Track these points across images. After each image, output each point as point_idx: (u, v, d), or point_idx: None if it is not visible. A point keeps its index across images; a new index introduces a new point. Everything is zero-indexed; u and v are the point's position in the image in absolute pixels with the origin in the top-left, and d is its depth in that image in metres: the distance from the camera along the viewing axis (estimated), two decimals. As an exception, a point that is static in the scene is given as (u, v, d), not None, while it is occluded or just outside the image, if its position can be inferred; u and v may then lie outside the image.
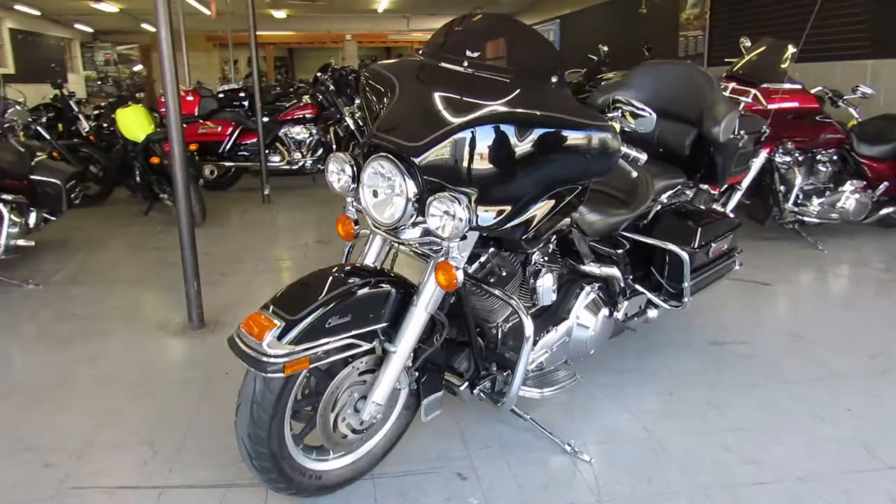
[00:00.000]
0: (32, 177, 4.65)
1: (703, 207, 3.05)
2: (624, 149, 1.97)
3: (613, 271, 2.62)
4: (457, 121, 1.77)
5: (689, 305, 2.82)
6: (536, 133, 1.80)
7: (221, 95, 8.99)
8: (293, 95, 8.36)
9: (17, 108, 4.78)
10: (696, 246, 2.73)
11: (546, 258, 2.39)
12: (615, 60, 8.70)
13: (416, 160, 1.78)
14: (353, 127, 7.33)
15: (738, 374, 2.88)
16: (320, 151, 7.51)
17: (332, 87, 7.52)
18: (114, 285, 4.28)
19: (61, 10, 17.24)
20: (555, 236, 2.41)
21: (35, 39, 17.76)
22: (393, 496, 2.09)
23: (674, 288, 2.82)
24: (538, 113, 1.80)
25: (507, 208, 1.85)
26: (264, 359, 1.69)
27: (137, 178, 6.05)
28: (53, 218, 4.88)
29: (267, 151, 7.16)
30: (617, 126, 1.92)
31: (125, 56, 21.11)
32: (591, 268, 2.56)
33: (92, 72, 20.87)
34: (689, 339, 3.24)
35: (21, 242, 4.23)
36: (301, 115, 7.56)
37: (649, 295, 2.82)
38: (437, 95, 1.89)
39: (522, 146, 1.79)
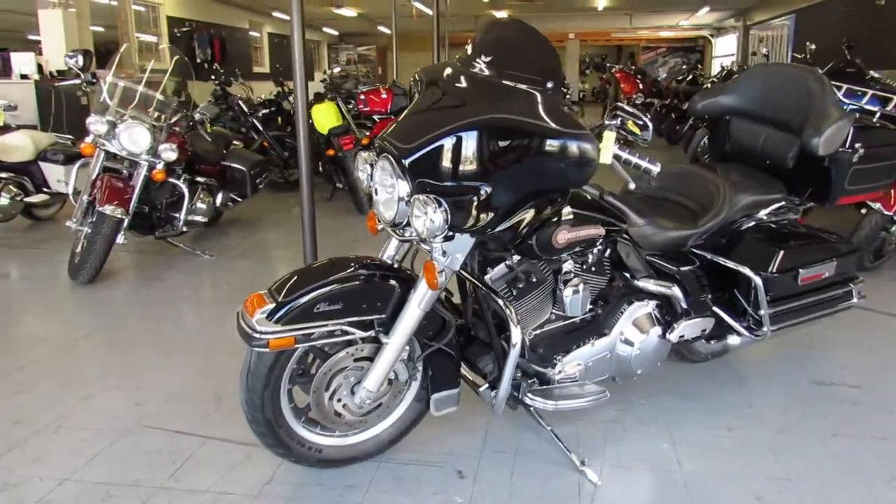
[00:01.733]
0: (224, 163, 5.41)
1: (807, 227, 2.70)
2: (634, 159, 1.89)
3: (671, 290, 2.44)
4: (443, 126, 1.82)
5: (769, 335, 2.54)
6: (519, 139, 1.83)
7: (420, 93, 9.57)
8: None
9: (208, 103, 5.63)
10: (773, 270, 2.44)
11: (586, 268, 2.32)
12: (822, 61, 7.75)
13: (405, 162, 1.86)
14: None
15: (826, 419, 2.52)
16: None
17: None
18: (272, 262, 4.86)
19: (312, 16, 19.39)
20: (597, 247, 2.32)
21: (288, 42, 20.19)
22: (388, 480, 2.19)
23: (756, 314, 2.56)
24: (522, 119, 1.81)
25: (489, 213, 1.86)
26: (253, 334, 1.89)
27: (320, 168, 6.72)
28: (240, 200, 5.63)
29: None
30: (612, 135, 1.83)
31: (364, 56, 23.27)
32: (645, 283, 2.43)
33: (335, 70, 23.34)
34: (791, 375, 2.88)
35: (198, 219, 4.95)
36: None
37: (726, 317, 2.58)
38: (435, 100, 1.95)
39: (503, 152, 1.82)
